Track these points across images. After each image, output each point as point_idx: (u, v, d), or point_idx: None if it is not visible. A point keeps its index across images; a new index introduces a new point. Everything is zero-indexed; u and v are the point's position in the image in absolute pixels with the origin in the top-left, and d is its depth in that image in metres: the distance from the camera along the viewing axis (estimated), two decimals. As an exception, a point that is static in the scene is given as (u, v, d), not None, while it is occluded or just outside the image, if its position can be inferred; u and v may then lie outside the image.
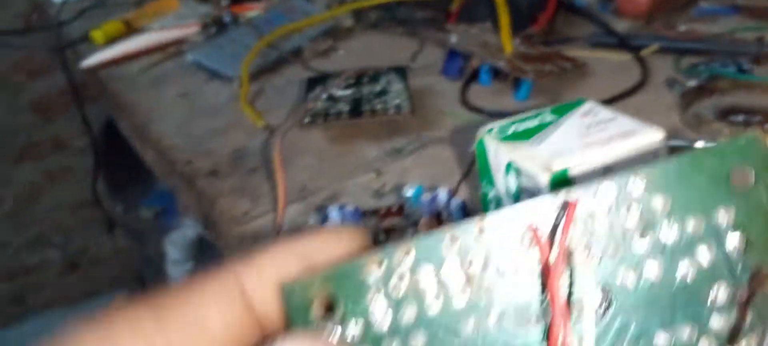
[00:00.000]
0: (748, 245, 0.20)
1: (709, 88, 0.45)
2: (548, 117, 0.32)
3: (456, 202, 0.34)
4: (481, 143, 0.32)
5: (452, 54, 0.54)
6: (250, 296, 0.21)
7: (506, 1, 0.54)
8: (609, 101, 0.47)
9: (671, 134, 0.42)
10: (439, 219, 0.34)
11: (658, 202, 0.20)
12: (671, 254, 0.20)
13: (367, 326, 0.21)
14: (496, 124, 0.32)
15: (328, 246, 0.22)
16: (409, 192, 0.35)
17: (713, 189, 0.20)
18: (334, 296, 0.21)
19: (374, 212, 0.35)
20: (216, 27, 0.68)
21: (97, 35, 0.75)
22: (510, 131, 0.32)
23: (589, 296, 0.20)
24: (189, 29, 0.72)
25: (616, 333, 0.20)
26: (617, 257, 0.20)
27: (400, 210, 0.35)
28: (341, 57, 0.64)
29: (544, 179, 0.28)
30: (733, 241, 0.20)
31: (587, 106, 0.33)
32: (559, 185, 0.28)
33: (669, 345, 0.20)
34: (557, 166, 0.28)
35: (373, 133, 0.47)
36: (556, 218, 0.20)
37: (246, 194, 0.42)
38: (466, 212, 0.34)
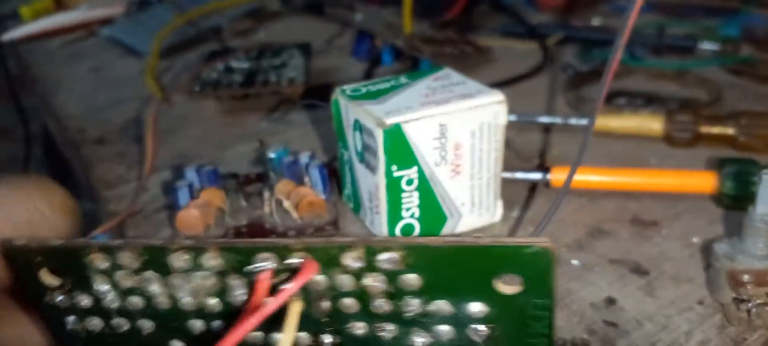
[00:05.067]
0: (491, 340, 0.20)
1: (599, 72, 0.45)
2: (403, 80, 0.32)
3: (315, 163, 0.33)
4: (336, 103, 0.32)
5: (361, 36, 0.54)
6: None
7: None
8: (505, 83, 0.47)
9: (552, 114, 0.42)
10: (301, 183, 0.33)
11: (412, 278, 0.19)
12: (409, 325, 0.20)
13: (98, 301, 0.21)
14: (350, 86, 0.32)
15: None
16: (272, 155, 0.35)
17: (475, 285, 0.19)
18: (60, 268, 0.20)
19: (234, 175, 0.35)
20: (138, 4, 0.68)
21: (26, 12, 0.74)
22: (362, 91, 0.31)
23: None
24: (114, 9, 0.71)
25: None
26: (350, 315, 0.20)
27: (260, 177, 0.35)
28: (261, 38, 0.63)
29: (378, 135, 0.28)
30: (476, 332, 0.19)
31: (443, 72, 0.33)
32: (395, 140, 0.28)
33: None
34: (390, 121, 0.28)
35: (266, 106, 0.47)
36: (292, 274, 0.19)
37: (125, 160, 0.42)
38: (327, 174, 0.33)
